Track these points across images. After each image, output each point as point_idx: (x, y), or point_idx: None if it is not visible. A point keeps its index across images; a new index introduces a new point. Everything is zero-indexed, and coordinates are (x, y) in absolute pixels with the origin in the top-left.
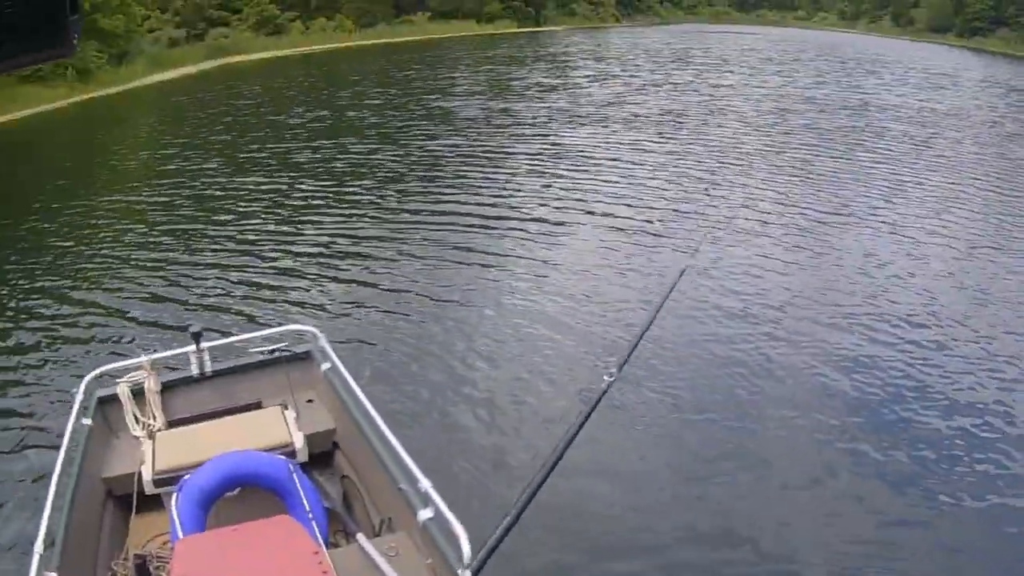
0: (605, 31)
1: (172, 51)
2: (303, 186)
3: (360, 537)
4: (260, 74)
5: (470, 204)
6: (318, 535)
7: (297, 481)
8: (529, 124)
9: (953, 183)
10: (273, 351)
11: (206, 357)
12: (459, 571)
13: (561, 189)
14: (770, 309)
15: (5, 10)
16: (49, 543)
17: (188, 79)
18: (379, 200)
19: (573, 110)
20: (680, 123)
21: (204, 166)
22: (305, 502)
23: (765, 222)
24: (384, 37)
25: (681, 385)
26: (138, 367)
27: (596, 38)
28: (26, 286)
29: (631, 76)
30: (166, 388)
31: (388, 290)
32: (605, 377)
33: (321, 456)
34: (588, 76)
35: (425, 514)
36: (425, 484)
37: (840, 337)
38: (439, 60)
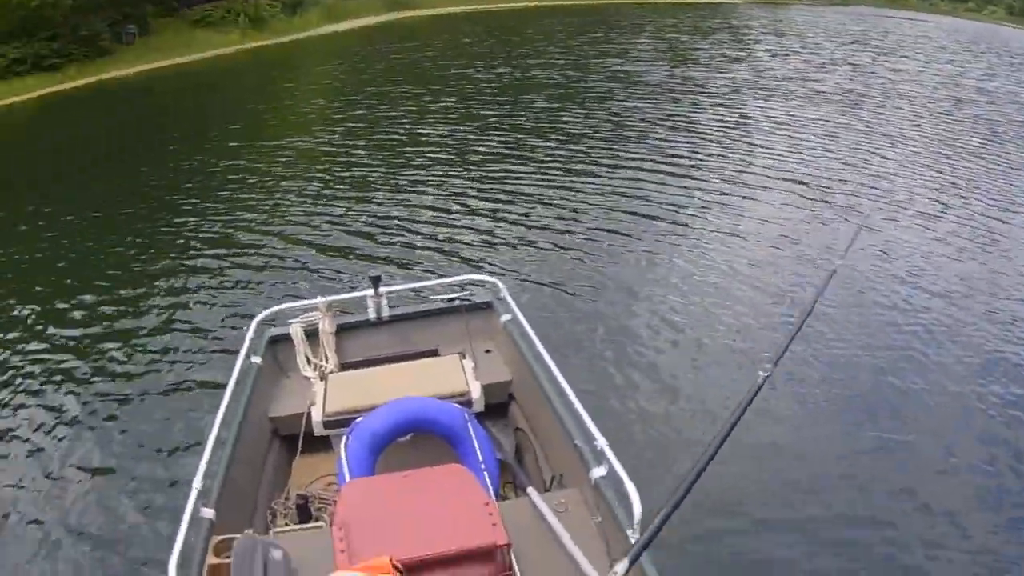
0: (785, 7)
1: (347, 2)
2: (485, 140)
3: (530, 491)
4: (438, 28)
5: (650, 167)
6: (489, 486)
7: (471, 431)
8: (710, 93)
9: None
10: (453, 299)
11: (384, 302)
12: (628, 532)
13: (738, 160)
14: (932, 306)
15: None
16: (209, 478)
17: (363, 31)
18: (561, 157)
19: (754, 82)
20: (856, 104)
21: (383, 115)
22: (478, 452)
23: (931, 213)
24: None
25: (837, 378)
26: (312, 308)
27: (776, 14)
28: (203, 223)
29: (811, 54)
30: (341, 331)
31: (569, 246)
32: (760, 372)
33: (496, 407)
34: (769, 50)
35: (598, 472)
36: (601, 442)
37: (1009, 341)
38: (619, 24)
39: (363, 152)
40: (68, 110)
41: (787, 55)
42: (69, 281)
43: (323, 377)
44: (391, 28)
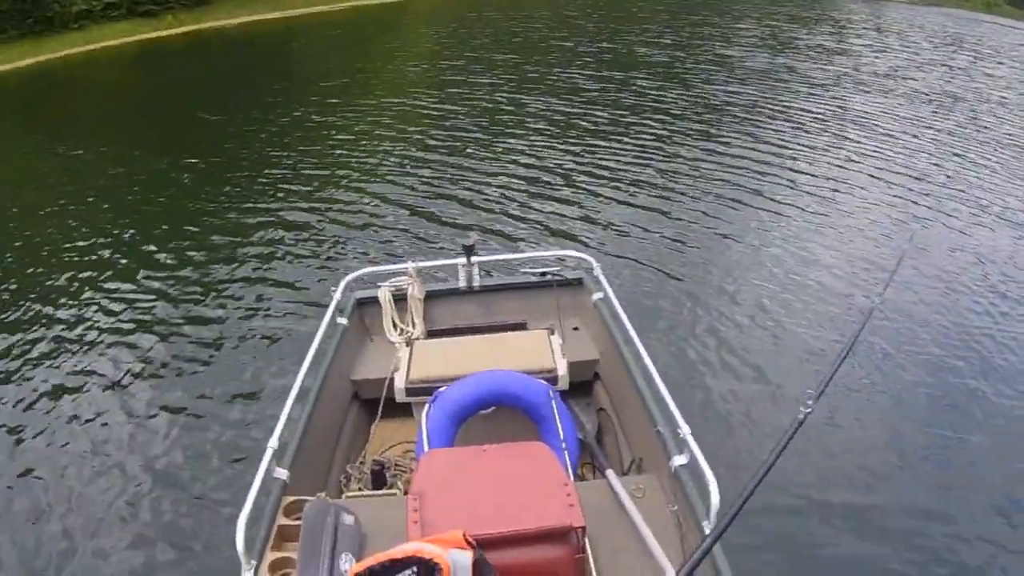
0: (884, 4)
1: None
2: (584, 115)
3: (609, 473)
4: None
5: (745, 155)
6: (568, 466)
7: (555, 408)
8: (808, 84)
9: None
10: (544, 274)
11: (475, 271)
12: (704, 523)
13: (831, 155)
14: (984, 335)
15: None
16: (285, 438)
17: None
18: (659, 137)
19: (852, 76)
20: (950, 107)
21: (484, 82)
22: (560, 430)
23: (997, 230)
24: None
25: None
26: (402, 272)
27: (876, 10)
28: (297, 178)
29: (909, 52)
30: (429, 297)
31: (663, 227)
32: (802, 408)
33: (580, 385)
34: (868, 45)
35: (679, 460)
36: (684, 429)
37: None
38: (722, 9)
39: (462, 118)
40: (166, 58)
41: (885, 51)
42: (161, 227)
43: (409, 343)
44: None
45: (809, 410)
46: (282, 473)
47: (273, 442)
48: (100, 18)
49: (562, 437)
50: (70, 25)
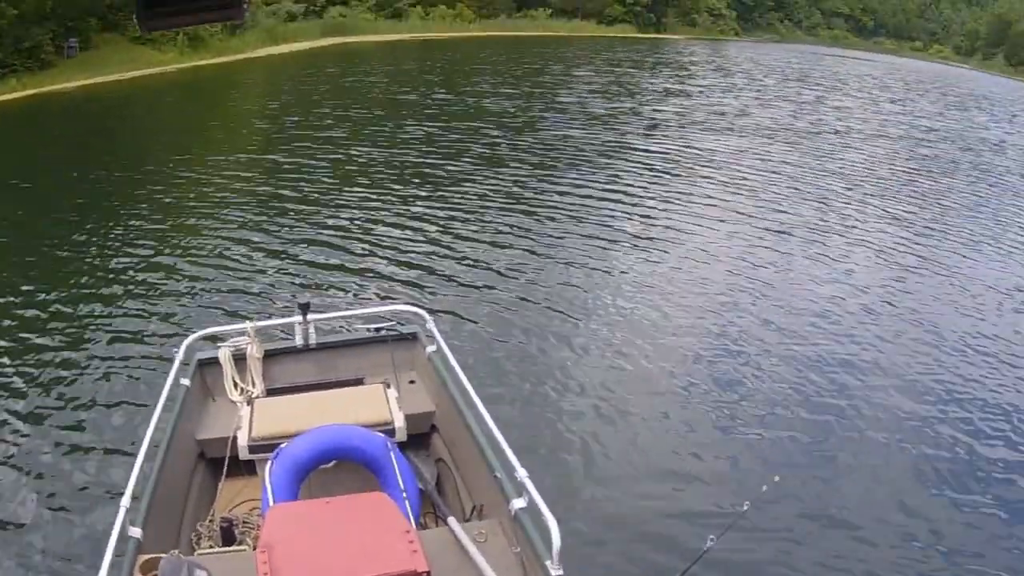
0: (725, 44)
1: (288, 26)
2: (420, 167)
3: (451, 520)
4: (377, 56)
5: (586, 199)
6: (410, 515)
7: (394, 459)
8: (650, 127)
9: None
10: (379, 329)
11: (311, 330)
12: (547, 563)
13: (674, 195)
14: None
15: None
16: (136, 498)
17: (302, 55)
18: (496, 187)
19: (694, 116)
20: (795, 140)
21: (320, 138)
22: (400, 481)
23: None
24: (504, 30)
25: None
26: (241, 333)
27: (717, 50)
28: (136, 241)
29: (755, 90)
30: (268, 356)
31: (499, 279)
32: (709, 539)
33: (418, 437)
34: (711, 85)
35: (518, 503)
36: (521, 473)
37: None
38: (560, 57)
39: (298, 175)
40: (6, 121)
41: (729, 91)
42: None
43: (250, 402)
44: (331, 53)
45: (713, 543)
46: (135, 532)
47: (125, 501)
48: None
49: (402, 487)
50: None
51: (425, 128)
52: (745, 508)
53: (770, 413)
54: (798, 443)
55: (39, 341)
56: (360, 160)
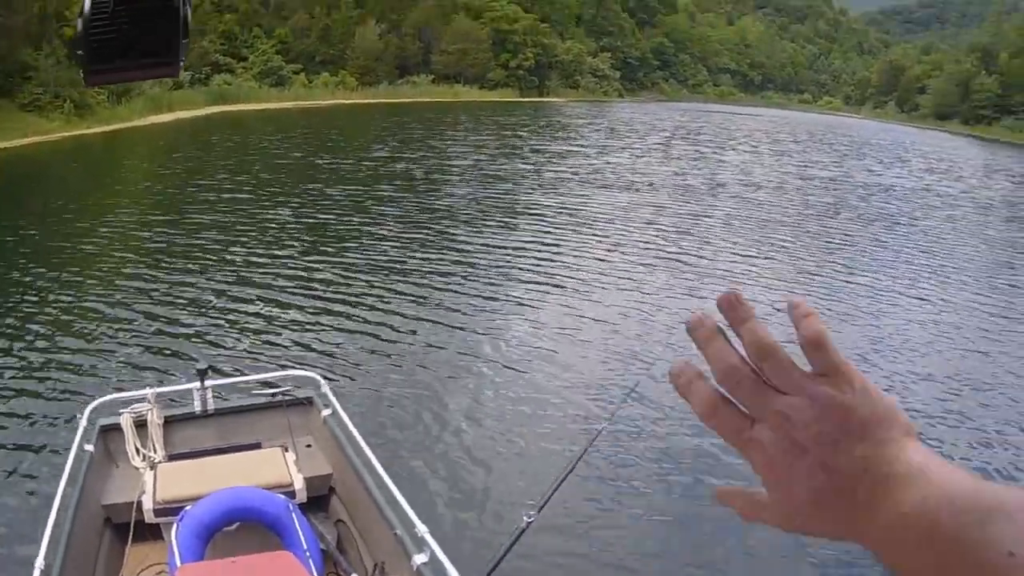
0: (609, 105)
1: (173, 93)
2: (314, 229)
3: None
4: (261, 123)
5: (480, 258)
6: (314, 573)
7: (295, 520)
8: (533, 187)
9: (945, 264)
10: (275, 394)
11: (209, 395)
12: None
13: (561, 252)
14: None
15: (125, 30)
16: (47, 568)
17: (187, 122)
18: (392, 247)
19: (585, 175)
20: (682, 197)
21: (211, 202)
22: (303, 541)
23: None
24: (387, 97)
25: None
26: (142, 399)
27: (601, 111)
28: (30, 312)
29: (644, 148)
30: (168, 422)
31: (394, 342)
32: (525, 517)
33: (317, 499)
34: (601, 145)
35: (420, 559)
36: (421, 529)
37: None
38: (443, 121)
39: (193, 239)
40: None
41: (613, 150)
42: None
43: (152, 466)
44: (216, 121)
45: (531, 520)
46: None
47: (36, 571)
48: None
49: (305, 547)
50: None
51: (318, 192)
52: None
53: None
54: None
55: None
56: (253, 223)
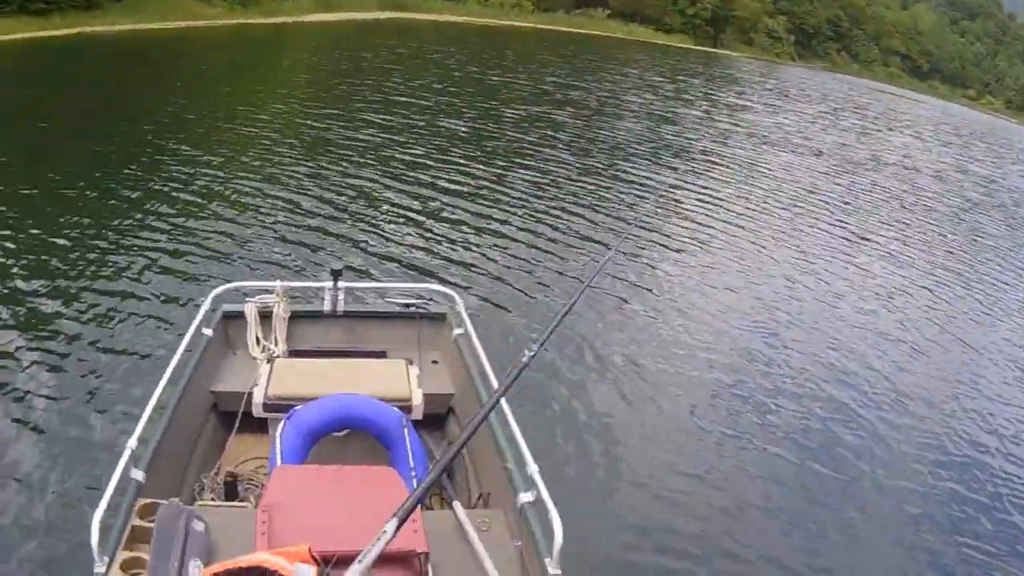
0: (781, 67)
1: None
2: (479, 147)
3: (456, 505)
4: (434, 34)
5: (633, 194)
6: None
7: (407, 436)
8: (704, 135)
9: None
10: (409, 305)
11: (340, 296)
12: (546, 561)
13: (720, 201)
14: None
15: None
16: (143, 442)
17: (356, 24)
18: (547, 174)
19: (747, 132)
20: (845, 168)
21: (362, 110)
22: (411, 458)
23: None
24: (560, 24)
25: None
26: (269, 290)
27: (773, 72)
28: (169, 188)
29: (808, 115)
30: (294, 317)
31: (537, 268)
32: (526, 351)
33: (435, 418)
34: (765, 105)
35: (525, 497)
36: (532, 467)
37: None
38: (616, 57)
39: (347, 143)
40: (48, 58)
41: (783, 111)
42: (21, 239)
43: (270, 360)
44: (385, 25)
45: (533, 354)
46: (138, 475)
47: (131, 443)
48: None
49: (412, 465)
50: None
51: (489, 107)
52: None
53: (799, 435)
54: (818, 471)
55: (61, 281)
56: (413, 134)
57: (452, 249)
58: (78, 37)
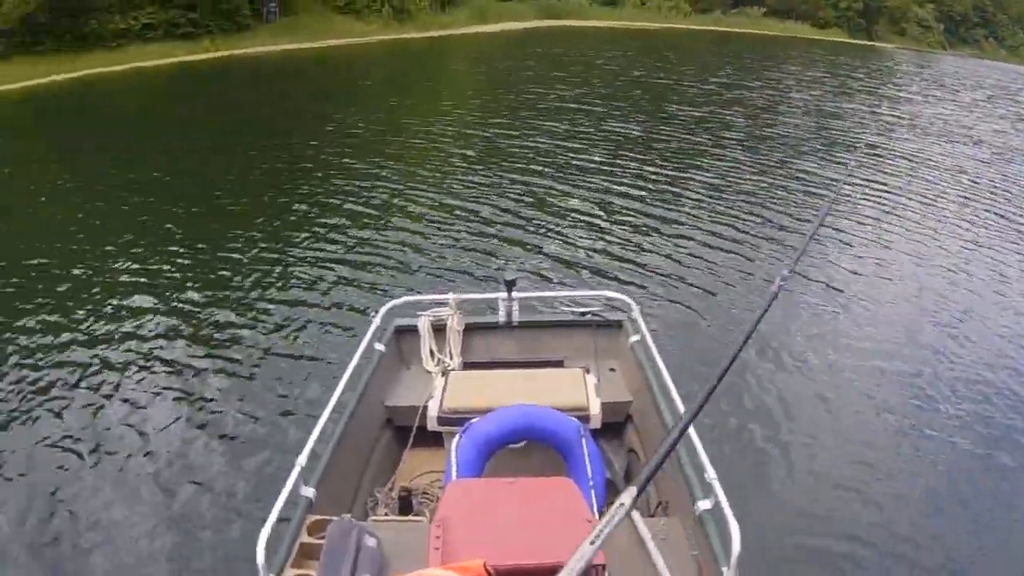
0: (933, 56)
1: (500, 3)
2: (643, 149)
3: (634, 514)
4: (593, 40)
5: (809, 191)
6: (594, 503)
7: (585, 446)
8: (869, 129)
9: None
10: (584, 313)
11: (515, 307)
12: (724, 570)
13: (891, 194)
14: None
15: None
16: (314, 458)
17: (514, 33)
18: (720, 174)
19: (910, 123)
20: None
21: (527, 120)
22: (588, 468)
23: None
24: (718, 25)
25: None
26: (442, 303)
27: (927, 61)
28: (335, 207)
29: (965, 103)
30: (468, 329)
31: (714, 271)
32: (778, 280)
33: (612, 427)
34: (923, 95)
35: (703, 504)
36: (710, 474)
37: None
38: (775, 55)
39: (515, 151)
40: (201, 81)
41: (940, 100)
42: (197, 247)
43: (444, 373)
44: (542, 34)
45: (784, 282)
46: (308, 491)
47: (302, 460)
48: (136, 38)
49: (590, 475)
50: (107, 43)
51: (655, 111)
52: None
53: (981, 426)
54: (1004, 464)
55: (238, 297)
56: (584, 140)
57: (627, 254)
58: (229, 59)
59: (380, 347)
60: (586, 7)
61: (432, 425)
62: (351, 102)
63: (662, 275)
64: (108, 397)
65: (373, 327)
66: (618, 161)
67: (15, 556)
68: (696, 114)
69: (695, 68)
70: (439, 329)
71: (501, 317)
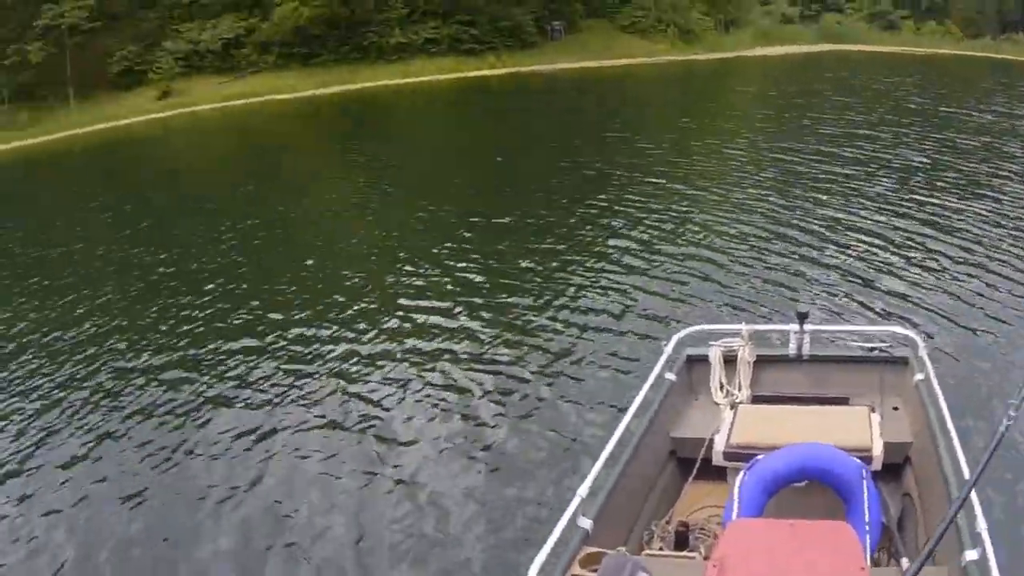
0: None
1: (783, 28)
2: (929, 179)
3: (904, 562)
4: (874, 65)
5: None
6: (867, 548)
7: (865, 488)
8: None
9: None
10: (872, 349)
11: (806, 340)
12: None
13: None
14: None
15: None
16: (595, 489)
17: (795, 57)
18: (998, 213)
19: None
20: None
21: (828, 140)
22: (866, 511)
23: None
24: (989, 51)
25: None
26: (734, 334)
27: None
28: (621, 224)
29: None
30: (758, 361)
31: (1004, 307)
32: (1005, 420)
33: (890, 468)
34: None
35: (971, 555)
36: (981, 523)
37: None
38: None
39: (805, 177)
40: (486, 96)
41: None
42: (477, 265)
43: (733, 406)
44: (825, 58)
45: (1011, 421)
46: (586, 523)
47: (582, 491)
48: (418, 52)
49: (867, 519)
50: (387, 57)
51: (942, 140)
52: None
53: None
54: None
55: (523, 317)
56: (878, 167)
57: (915, 287)
58: (516, 76)
59: (671, 376)
60: (866, 31)
61: (717, 459)
62: (640, 121)
63: (949, 312)
64: (387, 410)
65: (664, 356)
66: (911, 190)
67: (310, 553)
68: (979, 143)
69: (977, 95)
70: (729, 360)
71: (791, 350)
